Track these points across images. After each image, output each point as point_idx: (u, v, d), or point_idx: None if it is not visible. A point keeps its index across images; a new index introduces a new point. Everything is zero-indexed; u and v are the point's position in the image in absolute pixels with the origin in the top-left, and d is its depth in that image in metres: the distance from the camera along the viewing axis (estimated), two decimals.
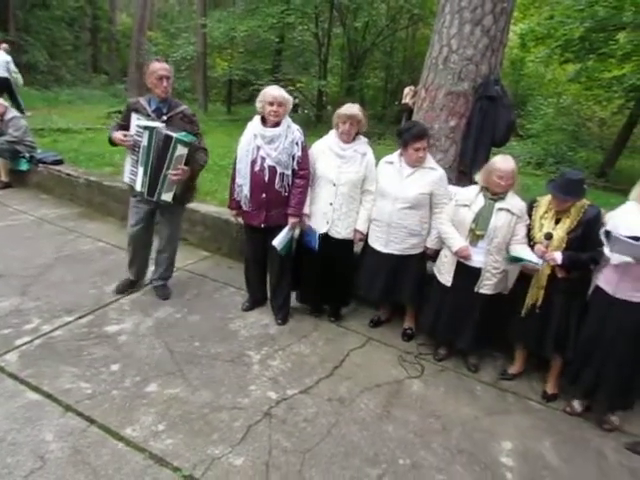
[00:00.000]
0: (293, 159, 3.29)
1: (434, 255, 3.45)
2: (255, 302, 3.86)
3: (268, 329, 3.59)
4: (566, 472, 2.57)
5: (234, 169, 3.44)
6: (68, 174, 5.80)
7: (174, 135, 3.22)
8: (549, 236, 2.85)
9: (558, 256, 2.82)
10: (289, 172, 3.31)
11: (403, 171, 3.34)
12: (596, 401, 2.98)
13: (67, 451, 2.29)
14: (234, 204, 3.50)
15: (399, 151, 3.41)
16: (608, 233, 2.58)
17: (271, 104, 3.20)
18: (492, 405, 3.06)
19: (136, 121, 3.27)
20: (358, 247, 3.69)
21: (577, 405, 3.07)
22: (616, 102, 12.57)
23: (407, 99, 4.61)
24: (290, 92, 3.38)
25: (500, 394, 3.19)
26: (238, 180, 3.38)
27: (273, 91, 3.25)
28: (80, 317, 3.41)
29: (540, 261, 2.87)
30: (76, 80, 18.24)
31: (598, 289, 2.86)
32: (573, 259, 2.81)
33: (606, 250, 2.65)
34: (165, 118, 3.33)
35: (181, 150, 3.28)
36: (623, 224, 2.65)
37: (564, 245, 2.84)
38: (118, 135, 3.31)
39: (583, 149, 13.54)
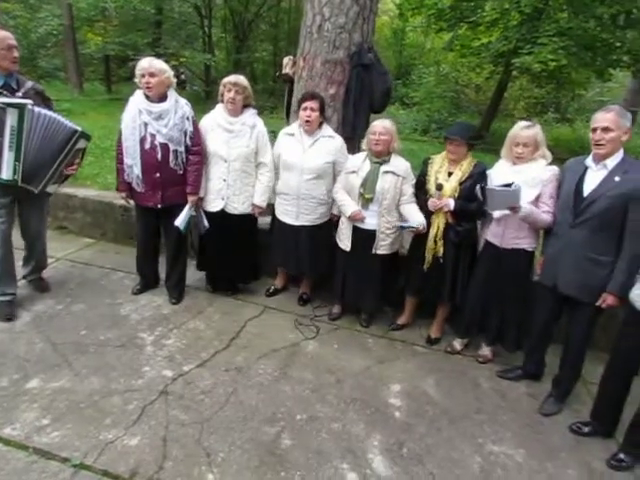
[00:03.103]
0: (185, 135, 3.18)
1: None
2: (147, 284, 3.73)
3: (161, 309, 3.50)
4: (447, 404, 2.86)
5: (119, 149, 3.24)
6: None
7: (79, 128, 3.02)
8: (440, 187, 3.05)
9: (451, 202, 3.03)
10: (182, 149, 3.19)
11: (305, 142, 3.36)
12: (475, 338, 3.31)
13: None
14: (123, 186, 3.32)
15: (298, 122, 3.42)
16: (483, 189, 2.78)
17: (142, 76, 3.06)
18: (382, 354, 3.28)
19: None
20: (263, 222, 3.69)
21: (457, 344, 3.40)
22: (487, 68, 13.53)
23: (287, 69, 4.59)
24: (175, 67, 3.23)
25: (390, 344, 3.42)
26: (127, 160, 3.19)
27: (142, 62, 3.10)
28: None
29: (423, 222, 3.08)
30: None
31: (487, 243, 3.10)
32: (463, 207, 3.03)
33: (487, 208, 2.90)
34: (21, 95, 2.92)
35: (82, 144, 3.10)
36: (496, 179, 2.93)
37: (456, 194, 3.05)
38: None
39: (463, 114, 14.54)
